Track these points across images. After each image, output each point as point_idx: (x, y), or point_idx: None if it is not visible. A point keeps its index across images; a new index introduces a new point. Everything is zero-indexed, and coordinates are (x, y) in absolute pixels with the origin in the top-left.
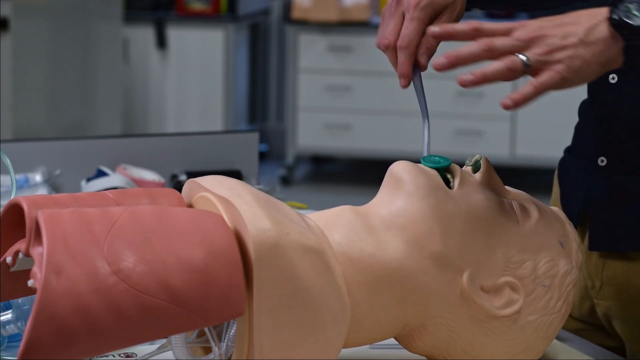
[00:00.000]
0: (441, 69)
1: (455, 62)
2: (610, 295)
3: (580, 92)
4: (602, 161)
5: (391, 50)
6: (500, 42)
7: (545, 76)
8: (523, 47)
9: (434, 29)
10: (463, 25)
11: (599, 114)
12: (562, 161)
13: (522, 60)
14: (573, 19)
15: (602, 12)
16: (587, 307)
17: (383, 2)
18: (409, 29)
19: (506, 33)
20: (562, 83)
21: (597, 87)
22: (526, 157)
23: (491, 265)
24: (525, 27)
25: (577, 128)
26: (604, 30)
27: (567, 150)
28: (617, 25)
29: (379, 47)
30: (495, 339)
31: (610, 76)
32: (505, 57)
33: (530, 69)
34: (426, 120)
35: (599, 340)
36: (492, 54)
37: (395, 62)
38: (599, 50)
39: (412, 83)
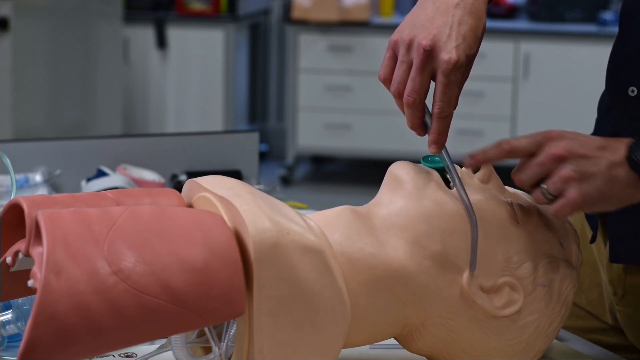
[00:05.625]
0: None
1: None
2: (633, 303)
3: (582, 92)
4: None
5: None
6: (526, 174)
7: (558, 206)
8: (546, 174)
9: (470, 161)
10: (494, 150)
11: (617, 122)
12: None
13: (546, 196)
14: (600, 144)
15: (623, 148)
16: (607, 310)
17: (383, 3)
18: (419, 83)
19: (536, 149)
20: (577, 211)
21: (617, 95)
22: None
23: (491, 266)
24: (553, 144)
25: (597, 123)
26: (624, 171)
27: None
28: (636, 166)
29: (385, 86)
30: (495, 338)
31: (630, 89)
32: (533, 189)
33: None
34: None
35: (617, 341)
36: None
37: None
38: (619, 185)
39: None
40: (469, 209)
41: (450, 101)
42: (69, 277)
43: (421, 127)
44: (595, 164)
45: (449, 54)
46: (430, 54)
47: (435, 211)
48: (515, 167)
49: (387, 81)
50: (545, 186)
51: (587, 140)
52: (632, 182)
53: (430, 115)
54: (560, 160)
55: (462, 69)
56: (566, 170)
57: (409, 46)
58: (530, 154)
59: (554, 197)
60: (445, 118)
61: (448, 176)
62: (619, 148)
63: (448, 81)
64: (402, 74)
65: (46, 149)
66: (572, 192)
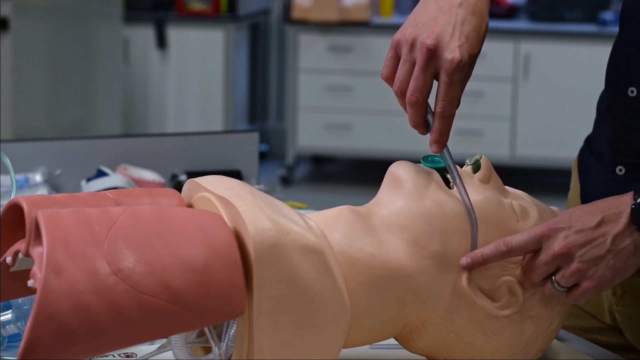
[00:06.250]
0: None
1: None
2: (631, 303)
3: (582, 92)
4: (621, 170)
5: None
6: (535, 274)
7: (576, 296)
8: (554, 269)
9: (466, 261)
10: (492, 251)
11: (616, 122)
12: (582, 151)
13: (558, 290)
14: (597, 220)
15: (625, 209)
16: (606, 310)
17: (383, 3)
18: (422, 82)
19: (535, 248)
20: (598, 293)
21: (616, 95)
22: (526, 157)
23: (491, 266)
24: (552, 242)
25: (595, 124)
26: (629, 239)
27: (587, 141)
28: None
29: (388, 84)
30: (495, 338)
31: (630, 89)
32: (544, 284)
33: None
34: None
35: (616, 341)
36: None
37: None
38: (630, 252)
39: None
40: (469, 208)
41: (452, 100)
42: (69, 277)
43: (423, 126)
44: (599, 245)
45: (452, 53)
46: (433, 53)
47: (436, 211)
48: (524, 267)
49: (389, 80)
50: (556, 281)
51: (583, 220)
52: None
53: (433, 114)
54: (564, 257)
55: (465, 68)
56: (574, 265)
57: (412, 45)
58: (528, 252)
59: (567, 288)
60: (448, 117)
61: (448, 176)
62: (618, 217)
63: (451, 80)
64: (405, 73)
65: (46, 149)
66: (587, 283)
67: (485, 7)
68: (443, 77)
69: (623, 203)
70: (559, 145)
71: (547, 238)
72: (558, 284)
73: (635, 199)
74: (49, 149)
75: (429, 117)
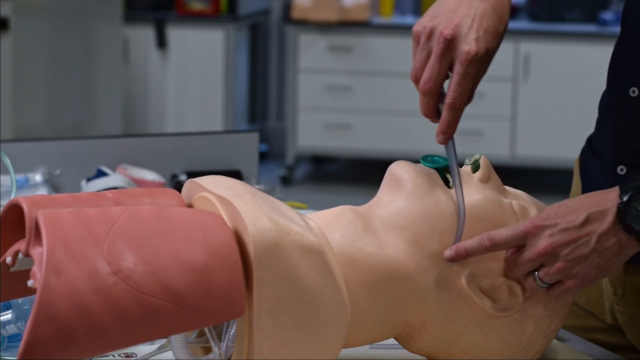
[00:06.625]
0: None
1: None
2: (633, 303)
3: (582, 92)
4: (622, 170)
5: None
6: (519, 270)
7: (558, 293)
8: (538, 266)
9: (450, 254)
10: (476, 246)
11: (617, 121)
12: (584, 151)
13: (540, 286)
14: (583, 218)
15: (611, 208)
16: (607, 310)
17: (383, 3)
18: (436, 72)
19: (519, 244)
20: (580, 290)
21: (618, 95)
22: (526, 157)
23: (490, 265)
24: (537, 240)
25: (597, 123)
26: (614, 238)
27: (589, 141)
28: (630, 230)
29: (414, 81)
30: (495, 338)
31: (631, 89)
32: (525, 278)
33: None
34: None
35: (616, 341)
36: (512, 274)
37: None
38: (614, 252)
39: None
40: (460, 202)
41: (464, 93)
42: (68, 277)
43: (434, 115)
44: (584, 244)
45: (468, 45)
46: (450, 43)
47: (436, 211)
48: (507, 261)
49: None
50: (539, 278)
51: (568, 218)
52: (625, 243)
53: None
54: (549, 255)
55: (480, 62)
56: (559, 263)
57: (430, 34)
58: (512, 247)
59: (549, 285)
60: (457, 110)
61: (448, 176)
62: (604, 215)
63: (465, 72)
64: (421, 61)
65: (46, 149)
66: (571, 281)
67: (507, 5)
68: (457, 68)
69: (609, 200)
70: (559, 145)
71: (532, 235)
72: (541, 280)
73: (621, 197)
74: (49, 149)
75: (441, 107)
